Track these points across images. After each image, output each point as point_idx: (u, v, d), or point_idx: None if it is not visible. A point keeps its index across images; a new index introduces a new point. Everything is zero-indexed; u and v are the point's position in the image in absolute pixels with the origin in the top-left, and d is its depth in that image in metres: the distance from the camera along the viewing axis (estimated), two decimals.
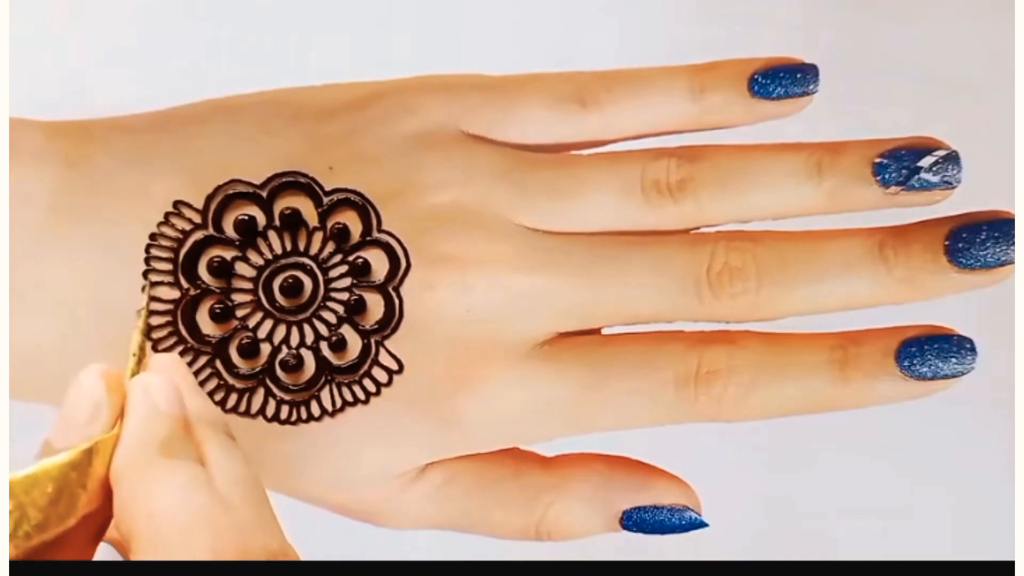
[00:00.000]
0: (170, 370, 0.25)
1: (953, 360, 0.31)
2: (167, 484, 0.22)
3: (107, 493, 0.23)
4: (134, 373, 0.25)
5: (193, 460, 0.23)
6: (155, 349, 0.30)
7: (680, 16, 0.50)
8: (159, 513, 0.22)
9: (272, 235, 0.31)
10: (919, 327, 0.31)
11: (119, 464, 0.23)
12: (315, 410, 0.31)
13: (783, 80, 0.32)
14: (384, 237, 0.31)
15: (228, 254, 0.31)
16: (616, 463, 0.33)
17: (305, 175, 0.31)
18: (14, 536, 0.21)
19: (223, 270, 0.31)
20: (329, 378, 0.31)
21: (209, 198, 0.31)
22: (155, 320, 0.30)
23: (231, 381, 0.30)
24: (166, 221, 0.31)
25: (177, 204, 0.31)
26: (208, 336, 0.30)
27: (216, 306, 0.30)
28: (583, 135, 0.33)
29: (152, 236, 0.30)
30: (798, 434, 0.37)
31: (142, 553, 0.22)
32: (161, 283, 0.30)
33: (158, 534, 0.22)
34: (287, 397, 0.31)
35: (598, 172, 0.32)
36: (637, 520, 0.32)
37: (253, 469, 0.24)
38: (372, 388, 0.31)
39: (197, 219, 0.31)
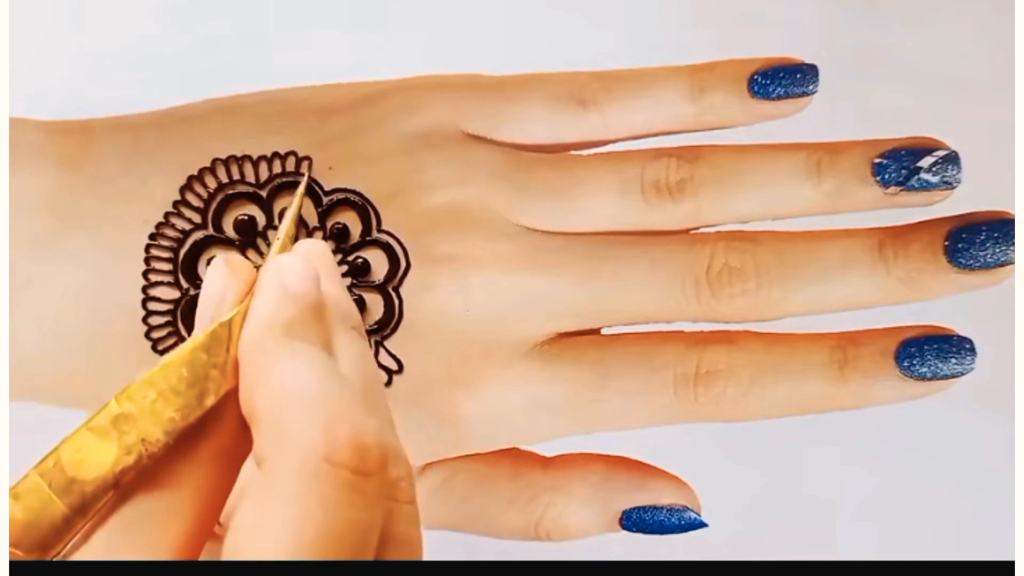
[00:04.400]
0: (312, 255, 0.24)
1: (952, 360, 0.31)
2: (289, 362, 0.22)
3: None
4: (275, 256, 0.25)
5: (318, 345, 0.23)
6: (155, 349, 0.30)
7: (680, 16, 0.50)
8: (278, 390, 0.22)
9: (272, 235, 0.31)
10: (918, 327, 0.31)
11: (244, 342, 0.23)
12: None
13: (782, 80, 0.32)
14: (384, 237, 0.31)
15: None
16: (615, 463, 0.33)
17: (305, 175, 0.31)
18: (161, 422, 0.22)
19: None
20: None
21: (209, 198, 0.31)
22: (155, 320, 0.30)
23: None
24: (166, 221, 0.31)
25: (177, 204, 0.31)
26: None
27: None
28: (583, 135, 0.33)
29: (152, 236, 0.30)
30: (798, 434, 0.36)
31: (260, 431, 0.21)
32: (161, 283, 0.30)
33: (275, 411, 0.21)
34: None
35: (598, 172, 0.32)
36: (636, 520, 0.32)
37: (375, 368, 0.23)
38: None
39: (197, 219, 0.31)
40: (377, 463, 0.21)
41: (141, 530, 0.22)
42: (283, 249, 0.25)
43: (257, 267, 0.24)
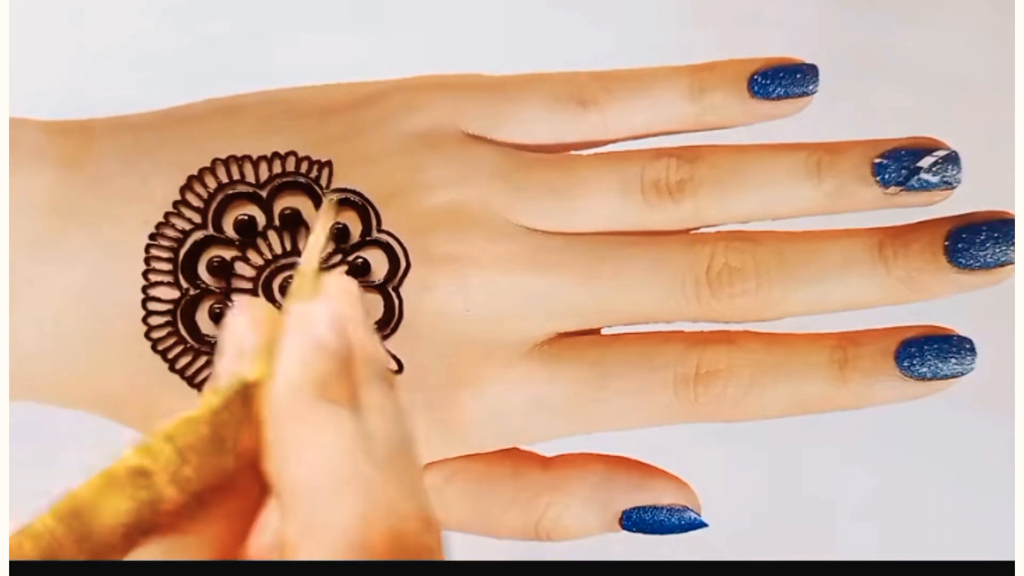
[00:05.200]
0: (340, 297, 0.22)
1: (952, 360, 0.31)
2: (317, 433, 0.20)
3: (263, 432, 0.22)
4: (301, 295, 0.23)
5: (347, 406, 0.21)
6: (155, 349, 0.30)
7: (680, 16, 0.50)
8: (307, 466, 0.20)
9: (272, 235, 0.31)
10: (918, 327, 0.31)
11: (271, 403, 0.21)
12: None
13: (782, 80, 0.32)
14: (384, 237, 0.31)
15: (228, 254, 0.31)
16: (615, 463, 0.33)
17: (305, 175, 0.31)
18: (177, 480, 0.21)
19: (223, 270, 0.31)
20: None
21: (209, 198, 0.31)
22: (155, 320, 0.30)
23: None
24: (166, 221, 0.31)
25: (177, 204, 0.31)
26: (208, 336, 0.30)
27: (216, 306, 0.30)
28: (583, 135, 0.33)
29: (152, 236, 0.30)
30: (798, 434, 0.36)
31: (287, 509, 0.20)
32: (161, 283, 0.30)
33: (306, 493, 0.20)
34: None
35: (598, 172, 0.32)
36: (636, 520, 0.32)
37: (407, 423, 0.22)
38: None
39: (197, 219, 0.31)
40: (413, 548, 0.20)
41: None
42: (314, 283, 0.23)
43: (279, 305, 0.23)
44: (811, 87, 0.32)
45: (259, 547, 0.22)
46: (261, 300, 0.23)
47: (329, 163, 0.31)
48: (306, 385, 0.21)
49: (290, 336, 0.22)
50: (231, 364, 0.22)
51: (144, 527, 0.21)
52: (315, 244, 0.24)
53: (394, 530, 0.20)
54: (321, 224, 0.24)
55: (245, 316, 0.22)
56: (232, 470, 0.21)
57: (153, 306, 0.30)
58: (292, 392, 0.21)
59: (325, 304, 0.22)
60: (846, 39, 0.49)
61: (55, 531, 0.21)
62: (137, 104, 0.33)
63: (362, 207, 0.31)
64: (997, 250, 0.30)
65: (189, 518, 0.21)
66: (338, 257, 0.31)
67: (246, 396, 0.21)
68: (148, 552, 0.21)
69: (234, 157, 0.31)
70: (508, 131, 0.33)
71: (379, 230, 0.31)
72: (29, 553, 0.21)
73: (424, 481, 0.22)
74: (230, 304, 0.30)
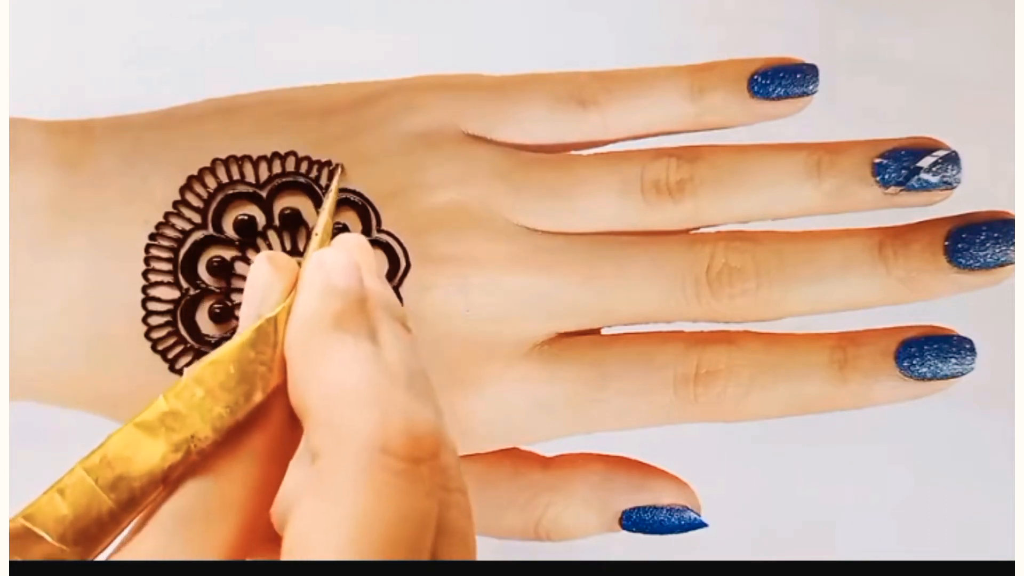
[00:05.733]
0: (353, 249, 0.24)
1: (952, 360, 0.31)
2: (338, 356, 0.22)
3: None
4: (315, 251, 0.25)
5: (364, 336, 0.23)
6: (155, 349, 0.30)
7: (680, 16, 0.50)
8: (329, 385, 0.22)
9: (272, 235, 0.31)
10: (918, 327, 0.31)
11: (290, 337, 0.23)
12: None
13: (782, 80, 0.32)
14: (384, 237, 0.31)
15: (228, 254, 0.31)
16: (615, 463, 0.33)
17: (305, 175, 0.31)
18: (210, 419, 0.22)
19: (223, 270, 0.31)
20: None
21: (209, 198, 0.31)
22: (155, 320, 0.30)
23: None
24: (166, 221, 0.31)
25: (177, 204, 0.31)
26: (208, 336, 0.30)
27: (216, 306, 0.30)
28: (583, 135, 0.33)
29: (152, 236, 0.30)
30: (798, 434, 0.36)
31: (313, 425, 0.22)
32: (161, 283, 0.30)
33: (328, 406, 0.21)
34: None
35: (598, 172, 0.32)
36: (636, 520, 0.32)
37: (420, 358, 0.23)
38: None
39: (197, 219, 0.31)
40: (430, 450, 0.21)
41: (192, 526, 0.22)
42: (322, 244, 0.25)
43: (298, 263, 0.25)
44: (811, 87, 0.32)
45: (291, 480, 0.22)
46: (280, 252, 0.25)
47: (329, 163, 0.31)
48: (324, 318, 0.23)
49: (306, 280, 0.23)
50: (255, 307, 0.24)
51: (180, 468, 0.22)
52: (327, 207, 0.26)
53: (412, 432, 0.21)
54: (332, 189, 0.27)
55: (266, 264, 0.24)
56: (262, 406, 0.23)
57: (153, 306, 0.30)
58: (311, 324, 0.23)
59: (339, 252, 0.24)
60: (846, 39, 0.49)
61: (86, 481, 0.22)
62: (137, 104, 0.33)
63: (362, 207, 0.31)
64: (997, 250, 0.30)
65: (225, 459, 0.22)
66: None
67: (268, 333, 0.23)
68: (185, 495, 0.22)
69: (234, 157, 0.31)
70: (508, 131, 0.33)
71: (379, 230, 0.31)
72: (62, 510, 0.21)
73: (440, 406, 0.23)
74: (230, 303, 0.31)
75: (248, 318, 0.24)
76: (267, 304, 0.24)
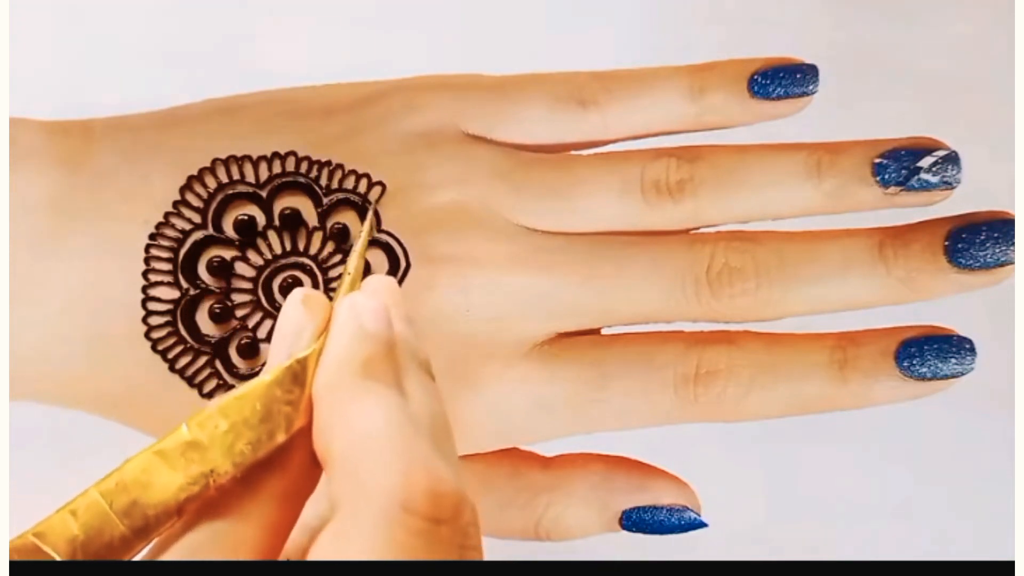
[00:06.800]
0: (382, 293, 0.24)
1: (952, 360, 0.31)
2: (365, 405, 0.22)
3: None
4: (346, 293, 0.25)
5: (391, 386, 0.23)
6: (154, 349, 0.30)
7: (680, 16, 0.50)
8: (355, 434, 0.22)
9: (272, 235, 0.31)
10: (918, 327, 0.31)
11: (319, 381, 0.23)
12: None
13: (782, 80, 0.32)
14: (384, 237, 0.31)
15: (228, 254, 0.31)
16: (615, 463, 0.33)
17: (305, 175, 0.31)
18: (231, 454, 0.22)
19: (223, 270, 0.31)
20: None
21: (209, 198, 0.31)
22: (154, 320, 0.30)
23: (231, 381, 0.30)
24: (166, 221, 0.31)
25: (177, 204, 0.31)
26: (208, 336, 0.30)
27: (216, 306, 0.30)
28: (583, 135, 0.33)
29: (152, 236, 0.30)
30: (798, 434, 0.36)
31: (336, 473, 0.22)
32: (161, 283, 0.30)
33: (353, 456, 0.21)
34: None
35: (598, 172, 0.32)
36: (636, 520, 0.32)
37: (443, 406, 0.24)
38: None
39: (197, 219, 0.31)
40: (452, 511, 0.21)
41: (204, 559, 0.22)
42: (352, 285, 0.25)
43: (329, 296, 0.25)
44: (811, 87, 0.32)
45: (305, 524, 0.23)
46: (315, 291, 0.25)
47: (329, 163, 0.31)
48: (353, 364, 0.23)
49: (338, 324, 0.23)
50: (286, 347, 0.24)
51: (196, 501, 0.22)
52: (358, 249, 0.26)
53: (435, 492, 0.21)
54: (364, 231, 0.27)
55: (300, 305, 0.24)
56: (284, 447, 0.23)
57: (153, 306, 0.30)
58: (340, 370, 0.23)
59: (371, 296, 0.24)
60: (846, 39, 0.49)
61: (100, 504, 0.21)
62: (137, 104, 0.33)
63: (362, 207, 0.31)
64: (997, 250, 0.30)
65: (242, 497, 0.22)
66: (338, 257, 0.31)
67: (297, 374, 0.23)
68: (199, 532, 0.22)
69: (234, 157, 0.31)
70: (508, 131, 0.33)
71: (379, 230, 0.31)
72: (74, 531, 0.21)
73: (459, 462, 0.23)
74: (230, 304, 0.31)
75: (278, 355, 0.24)
76: (299, 344, 0.23)
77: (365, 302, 0.24)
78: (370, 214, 0.31)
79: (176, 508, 0.22)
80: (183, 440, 0.22)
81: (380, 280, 0.25)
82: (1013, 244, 0.30)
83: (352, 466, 0.21)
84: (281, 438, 0.22)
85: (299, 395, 0.23)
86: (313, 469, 0.23)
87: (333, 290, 0.31)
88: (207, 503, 0.22)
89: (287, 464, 0.23)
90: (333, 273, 0.31)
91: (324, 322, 0.24)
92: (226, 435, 0.22)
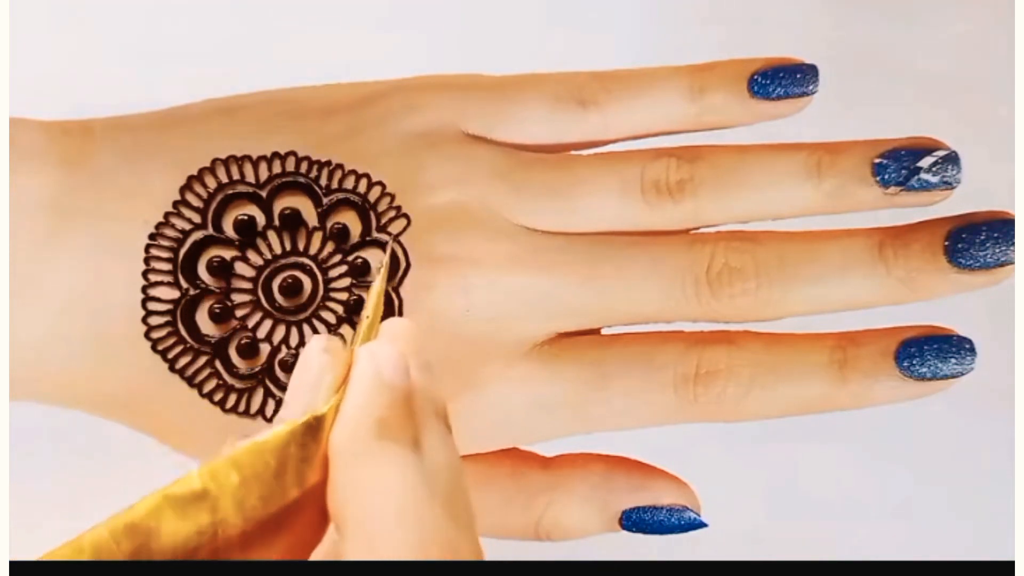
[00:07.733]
0: (401, 340, 0.24)
1: (952, 360, 0.31)
2: (380, 470, 0.21)
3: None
4: (365, 339, 0.24)
5: (408, 445, 0.22)
6: (154, 349, 0.30)
7: (681, 16, 0.50)
8: (370, 497, 0.21)
9: (272, 235, 0.31)
10: (918, 327, 0.31)
11: (336, 438, 0.22)
12: None
13: (782, 80, 0.32)
14: (384, 237, 0.31)
15: (228, 254, 0.31)
16: (615, 463, 0.33)
17: (305, 175, 0.31)
18: (242, 508, 0.21)
19: (223, 270, 0.31)
20: None
21: (209, 198, 0.31)
22: (154, 320, 0.30)
23: (230, 381, 0.30)
24: (166, 221, 0.31)
25: (177, 204, 0.31)
26: (208, 336, 0.30)
27: (216, 306, 0.30)
28: (583, 135, 0.33)
29: (152, 236, 0.30)
30: (798, 434, 0.36)
31: (349, 537, 0.21)
32: (161, 283, 0.30)
33: (367, 519, 0.21)
34: None
35: (597, 172, 0.32)
36: (636, 520, 0.32)
37: (459, 460, 0.23)
38: None
39: (197, 219, 0.31)
40: None
41: None
42: (371, 329, 0.25)
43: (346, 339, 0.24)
44: (811, 87, 0.32)
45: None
46: (336, 338, 0.24)
47: (329, 162, 0.31)
48: (370, 424, 0.22)
49: (357, 375, 0.23)
50: (305, 397, 0.23)
51: (203, 552, 0.21)
52: (376, 291, 0.25)
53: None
54: (383, 272, 0.26)
55: (321, 355, 0.23)
56: (295, 503, 0.22)
57: (153, 306, 0.30)
58: (356, 428, 0.22)
59: (389, 345, 0.23)
60: (846, 39, 0.49)
61: (109, 544, 0.21)
62: (137, 104, 0.33)
63: (362, 207, 0.31)
64: (997, 250, 0.30)
65: (246, 551, 0.22)
66: (338, 257, 0.31)
67: (314, 431, 0.22)
68: None
69: (234, 157, 0.31)
70: (508, 131, 0.33)
71: (379, 230, 0.31)
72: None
73: (474, 518, 0.23)
74: (230, 303, 0.31)
75: (295, 405, 0.23)
76: (318, 396, 0.23)
77: (385, 353, 0.23)
78: (386, 257, 0.30)
79: (183, 556, 0.21)
80: (194, 488, 0.21)
81: (398, 325, 0.24)
82: (1013, 244, 0.30)
83: (366, 534, 0.21)
84: (294, 494, 0.22)
85: (315, 451, 0.22)
86: (322, 524, 0.22)
87: (333, 290, 0.31)
88: (213, 553, 0.21)
89: (298, 520, 0.22)
90: (333, 273, 0.31)
91: (344, 372, 0.23)
92: (238, 489, 0.21)
